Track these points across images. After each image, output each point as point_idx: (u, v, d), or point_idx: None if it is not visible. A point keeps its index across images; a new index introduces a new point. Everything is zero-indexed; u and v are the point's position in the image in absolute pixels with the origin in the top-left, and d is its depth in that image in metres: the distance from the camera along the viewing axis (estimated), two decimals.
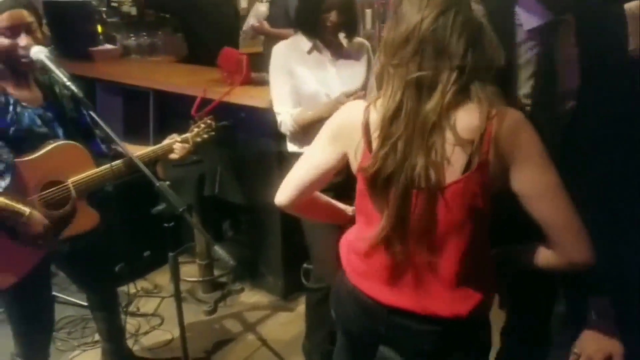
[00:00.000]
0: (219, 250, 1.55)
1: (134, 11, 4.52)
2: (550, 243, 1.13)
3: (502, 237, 1.21)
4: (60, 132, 1.82)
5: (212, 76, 3.10)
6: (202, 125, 2.16)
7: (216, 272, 3.13)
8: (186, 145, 2.06)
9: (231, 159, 2.97)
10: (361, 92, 2.10)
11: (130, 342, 2.56)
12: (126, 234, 2.37)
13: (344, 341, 1.45)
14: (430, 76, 1.08)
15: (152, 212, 1.67)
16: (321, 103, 2.10)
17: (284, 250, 2.97)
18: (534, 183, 1.09)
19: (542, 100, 1.45)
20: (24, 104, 1.72)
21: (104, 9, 4.41)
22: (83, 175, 1.80)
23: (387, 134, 1.12)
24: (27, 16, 1.68)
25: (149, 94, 3.27)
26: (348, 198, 1.44)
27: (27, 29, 1.68)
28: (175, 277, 1.81)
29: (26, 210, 1.64)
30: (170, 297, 2.96)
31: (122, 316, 2.37)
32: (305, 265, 2.89)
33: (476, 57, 1.08)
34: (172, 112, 3.22)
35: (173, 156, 2.04)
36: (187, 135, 2.10)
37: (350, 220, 1.42)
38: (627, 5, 1.47)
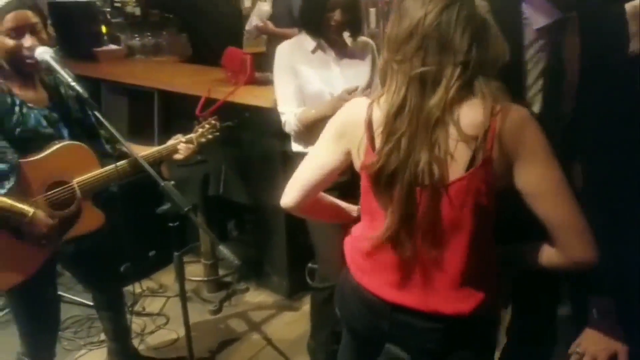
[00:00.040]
0: (223, 250, 1.55)
1: (138, 11, 4.53)
2: (553, 242, 1.12)
3: (505, 236, 1.21)
4: (65, 132, 1.82)
5: (217, 76, 3.10)
6: (207, 126, 2.16)
7: (221, 272, 3.13)
8: (191, 145, 2.06)
9: (236, 158, 2.97)
10: (367, 90, 2.10)
11: (135, 342, 2.56)
12: (131, 234, 2.38)
13: (348, 339, 1.45)
14: (434, 71, 1.08)
15: (157, 212, 1.67)
16: (325, 101, 2.10)
17: (289, 250, 2.97)
18: (538, 180, 1.09)
19: (551, 100, 1.45)
20: (29, 104, 1.73)
21: (109, 9, 4.42)
22: (88, 175, 1.80)
23: (391, 130, 1.11)
24: (31, 17, 1.68)
25: (153, 94, 3.28)
26: (353, 197, 1.43)
27: (32, 30, 1.68)
28: (180, 277, 1.82)
29: (30, 210, 1.65)
30: (175, 297, 2.96)
31: (128, 316, 2.38)
32: (310, 264, 2.89)
33: (480, 53, 1.07)
34: (177, 112, 3.22)
35: (177, 156, 2.04)
36: (192, 135, 2.10)
37: (355, 220, 1.42)
38: (627, 5, 1.47)
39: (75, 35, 3.81)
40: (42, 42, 1.70)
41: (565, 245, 1.11)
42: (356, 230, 1.36)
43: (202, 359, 2.56)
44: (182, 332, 2.15)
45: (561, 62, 1.39)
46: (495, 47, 1.09)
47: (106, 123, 1.70)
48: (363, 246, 1.27)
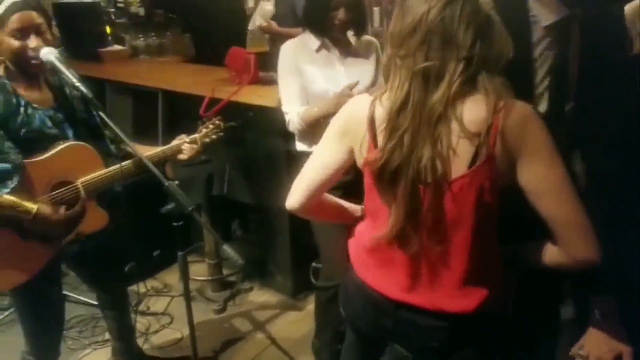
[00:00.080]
0: (227, 250, 1.56)
1: (142, 12, 4.54)
2: (556, 240, 1.12)
3: (508, 235, 1.21)
4: (70, 133, 1.83)
5: (220, 76, 3.11)
6: (211, 126, 2.17)
7: (225, 271, 3.14)
8: (195, 146, 2.06)
9: (240, 158, 2.97)
10: (371, 89, 2.10)
11: (140, 341, 2.57)
12: (136, 234, 2.38)
13: (352, 339, 1.45)
14: (437, 66, 1.07)
15: (161, 212, 1.68)
16: (327, 99, 2.09)
17: (293, 250, 2.97)
18: (541, 178, 1.08)
19: (557, 98, 1.45)
20: (34, 105, 1.74)
21: (113, 10, 4.43)
22: (92, 175, 1.81)
23: (394, 126, 1.11)
24: (36, 17, 1.69)
25: (157, 95, 3.28)
26: (356, 196, 1.44)
27: (37, 31, 1.69)
28: (185, 276, 1.82)
29: (34, 207, 1.65)
30: (179, 296, 2.97)
31: (132, 315, 2.38)
32: (314, 264, 2.90)
33: (484, 49, 1.07)
34: (181, 112, 3.23)
35: (182, 157, 2.04)
36: (196, 136, 2.10)
37: (359, 220, 1.42)
38: (627, 7, 1.46)
39: (79, 36, 3.83)
40: (47, 43, 1.71)
41: (568, 243, 1.11)
42: (360, 228, 1.36)
43: (206, 358, 2.57)
44: (186, 331, 2.15)
45: (567, 60, 1.39)
46: (500, 43, 1.09)
47: (110, 123, 1.71)
48: (367, 244, 1.28)
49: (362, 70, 2.18)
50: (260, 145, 2.90)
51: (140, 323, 2.72)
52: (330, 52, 2.17)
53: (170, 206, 1.64)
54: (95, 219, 1.86)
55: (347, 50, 2.19)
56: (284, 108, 2.19)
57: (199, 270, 3.14)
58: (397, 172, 1.12)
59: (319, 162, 1.29)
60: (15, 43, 1.67)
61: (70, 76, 1.70)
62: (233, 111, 2.57)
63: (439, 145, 1.09)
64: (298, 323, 2.84)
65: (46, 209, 1.68)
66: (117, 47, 4.05)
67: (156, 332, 2.77)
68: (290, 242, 2.95)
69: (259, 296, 3.10)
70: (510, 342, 1.40)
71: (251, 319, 2.89)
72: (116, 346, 2.38)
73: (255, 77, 2.87)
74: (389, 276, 1.24)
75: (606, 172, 1.27)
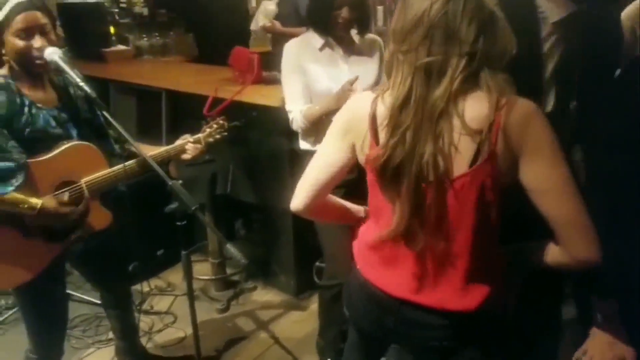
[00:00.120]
0: (231, 249, 1.56)
1: (146, 12, 4.55)
2: (557, 239, 1.11)
3: (511, 234, 1.20)
4: (74, 132, 1.84)
5: (224, 75, 3.11)
6: (215, 126, 2.17)
7: (229, 271, 3.14)
8: (198, 145, 2.07)
9: (243, 157, 2.98)
10: (374, 87, 2.10)
11: (143, 340, 2.58)
12: (140, 233, 2.39)
13: (354, 338, 1.45)
14: (440, 62, 1.07)
15: (164, 211, 1.68)
16: (328, 96, 2.09)
17: (296, 249, 2.97)
18: (542, 176, 1.08)
19: (563, 95, 1.45)
20: (38, 105, 1.74)
21: (117, 10, 4.45)
22: (96, 175, 1.82)
23: (396, 122, 1.11)
24: (41, 18, 1.69)
25: (161, 94, 3.29)
26: (360, 195, 1.43)
27: (41, 31, 1.70)
28: (188, 276, 1.83)
29: (38, 202, 1.66)
30: (183, 296, 2.97)
31: (136, 314, 2.39)
32: (317, 263, 2.90)
33: (487, 45, 1.06)
34: (185, 111, 3.24)
35: (185, 156, 2.05)
36: (200, 135, 2.11)
37: (363, 222, 1.42)
38: (623, 15, 1.46)
39: (83, 36, 3.84)
40: (51, 43, 1.72)
41: (569, 243, 1.10)
42: (364, 227, 1.36)
43: (210, 357, 2.57)
44: (189, 330, 2.15)
45: (573, 57, 1.39)
46: (503, 40, 1.08)
47: (114, 123, 1.71)
48: (371, 242, 1.28)
49: (366, 68, 2.18)
50: (264, 144, 2.90)
51: (144, 322, 2.72)
52: (333, 51, 2.17)
53: (173, 205, 1.64)
54: (99, 219, 1.87)
55: (350, 49, 2.19)
56: (288, 107, 2.19)
57: (203, 270, 3.14)
58: (399, 169, 1.12)
59: (322, 162, 1.29)
60: (20, 43, 1.68)
61: (74, 76, 1.70)
62: (236, 111, 2.57)
63: (441, 142, 1.08)
64: (301, 322, 2.84)
65: (51, 204, 1.68)
66: (120, 47, 4.06)
67: (160, 331, 2.78)
68: (294, 242, 2.95)
69: (263, 295, 3.10)
70: (512, 341, 1.40)
71: (254, 318, 2.89)
72: (120, 345, 2.39)
73: (258, 77, 2.88)
74: (392, 274, 1.24)
75: (607, 172, 1.26)
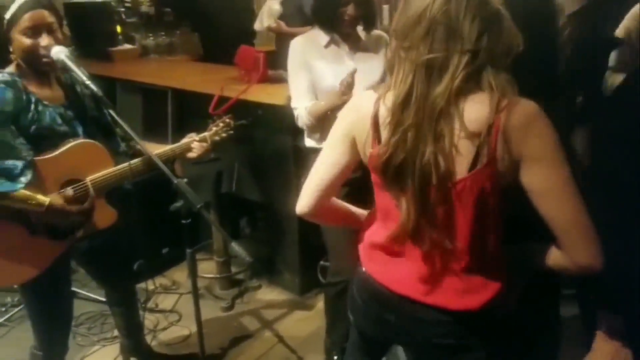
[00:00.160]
0: (236, 247, 1.56)
1: (152, 11, 4.56)
2: (557, 243, 1.10)
3: (516, 234, 1.20)
4: (80, 130, 1.84)
5: (230, 74, 3.11)
6: (221, 124, 2.17)
7: (233, 269, 3.15)
8: (204, 144, 2.07)
9: (248, 156, 2.98)
10: (380, 83, 2.09)
11: (148, 338, 2.58)
12: (145, 231, 2.40)
13: (356, 338, 1.45)
14: (441, 59, 1.06)
15: (170, 210, 1.68)
16: (331, 92, 2.09)
17: (301, 248, 2.97)
18: (543, 180, 1.06)
19: (571, 90, 1.44)
20: (45, 102, 1.75)
21: (123, 9, 4.46)
22: (101, 173, 1.82)
23: (398, 120, 1.10)
24: (48, 16, 1.70)
25: (167, 93, 3.30)
26: (364, 193, 1.43)
27: (48, 29, 1.71)
28: (193, 274, 1.83)
29: (46, 199, 1.67)
30: (188, 294, 2.98)
31: (141, 312, 2.40)
32: (322, 262, 2.90)
33: (491, 43, 1.05)
34: (191, 110, 3.25)
35: (191, 155, 2.05)
36: (205, 134, 2.11)
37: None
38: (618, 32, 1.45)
39: (90, 35, 3.85)
40: (58, 42, 1.73)
41: (569, 247, 1.09)
42: (369, 225, 1.36)
43: (214, 355, 2.58)
44: (194, 328, 2.16)
45: (584, 50, 1.38)
46: (508, 38, 1.06)
47: (120, 122, 1.72)
48: (377, 240, 1.28)
49: (372, 65, 2.17)
50: (269, 143, 2.91)
51: (149, 320, 2.73)
52: (339, 48, 2.17)
53: (179, 204, 1.64)
54: (104, 217, 1.87)
55: (356, 46, 2.18)
56: (293, 104, 2.19)
57: (208, 268, 3.15)
58: (401, 168, 1.11)
59: (326, 163, 1.29)
60: (27, 41, 1.69)
61: (81, 75, 1.71)
62: (242, 109, 2.57)
63: (442, 142, 1.07)
64: (306, 321, 2.84)
65: (58, 201, 1.69)
66: (127, 46, 4.07)
67: (164, 329, 2.78)
68: (299, 241, 2.95)
69: (267, 294, 3.11)
70: (512, 341, 1.40)
71: (259, 316, 2.90)
72: (124, 343, 2.40)
73: (264, 76, 2.88)
74: (396, 272, 1.24)
75: (607, 172, 1.25)
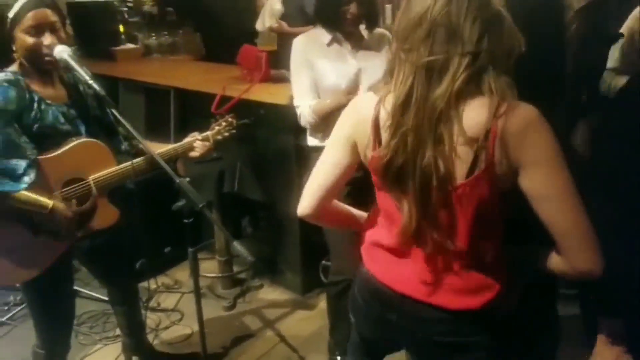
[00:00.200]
0: (238, 247, 1.56)
1: (155, 11, 4.57)
2: (557, 248, 1.09)
3: (515, 236, 1.19)
4: (83, 129, 1.85)
5: (232, 74, 3.12)
6: (223, 124, 2.17)
7: (235, 269, 3.15)
8: (207, 143, 2.07)
9: (251, 155, 2.98)
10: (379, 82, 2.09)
11: (150, 337, 2.59)
12: (147, 230, 2.40)
13: (357, 338, 1.45)
14: (442, 61, 1.05)
15: (172, 209, 1.68)
16: (338, 91, 2.09)
17: (303, 247, 2.97)
18: (540, 185, 1.05)
19: (576, 86, 1.43)
20: (48, 101, 1.75)
21: (126, 9, 4.47)
22: (104, 172, 1.82)
23: (398, 123, 1.10)
24: (51, 15, 1.71)
25: (169, 92, 3.30)
26: (365, 193, 1.43)
27: (51, 28, 1.71)
28: (195, 273, 1.83)
29: (49, 202, 1.67)
30: (190, 293, 2.98)
31: (143, 311, 2.40)
32: (324, 262, 2.90)
33: (492, 44, 1.04)
34: (193, 109, 3.25)
35: (193, 154, 2.05)
36: (208, 133, 2.11)
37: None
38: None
39: (93, 35, 3.86)
40: (61, 41, 1.73)
41: (568, 253, 1.08)
42: (371, 225, 1.36)
43: (216, 354, 2.58)
44: (196, 327, 2.16)
45: (590, 46, 1.38)
46: (509, 40, 1.06)
47: (123, 121, 1.72)
48: (378, 240, 1.28)
49: (374, 63, 2.16)
50: (271, 143, 2.91)
51: (151, 319, 2.74)
52: (341, 46, 2.17)
53: (181, 203, 1.64)
54: (106, 216, 1.88)
55: (359, 44, 2.18)
56: (296, 102, 2.19)
57: (210, 267, 3.16)
58: (402, 170, 1.11)
59: (327, 164, 1.29)
60: (30, 40, 1.69)
61: (84, 74, 1.71)
62: (244, 109, 2.58)
63: (441, 146, 1.06)
64: (307, 321, 2.84)
65: (60, 205, 1.70)
66: (129, 45, 4.08)
67: (166, 328, 2.79)
68: (301, 240, 2.95)
69: (269, 294, 3.11)
70: (513, 340, 1.40)
71: (261, 316, 2.90)
72: (126, 342, 2.40)
73: (266, 75, 2.88)
74: (398, 271, 1.24)
75: (609, 174, 1.24)
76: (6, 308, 2.88)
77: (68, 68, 1.75)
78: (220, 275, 3.10)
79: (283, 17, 4.31)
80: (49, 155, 1.73)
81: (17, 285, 2.03)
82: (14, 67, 1.76)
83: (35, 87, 1.74)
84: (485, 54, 1.04)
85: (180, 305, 2.96)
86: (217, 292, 3.09)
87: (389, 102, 1.13)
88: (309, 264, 3.00)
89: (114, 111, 1.79)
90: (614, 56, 1.99)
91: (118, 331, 2.51)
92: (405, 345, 1.37)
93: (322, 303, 2.76)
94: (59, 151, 1.75)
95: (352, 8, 2.05)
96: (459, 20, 1.04)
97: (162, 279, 3.13)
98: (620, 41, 1.92)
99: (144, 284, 2.48)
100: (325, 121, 2.09)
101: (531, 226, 1.14)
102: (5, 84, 1.67)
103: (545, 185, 1.05)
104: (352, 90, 1.97)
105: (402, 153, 1.10)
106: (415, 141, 1.08)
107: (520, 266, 1.23)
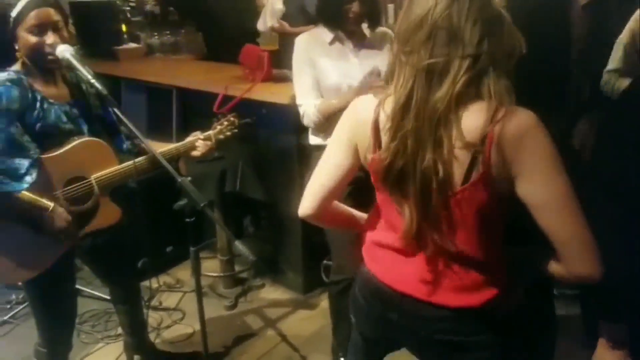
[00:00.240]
0: (239, 246, 1.56)
1: (157, 10, 4.57)
2: (556, 254, 1.09)
3: (515, 236, 1.19)
4: (85, 128, 1.85)
5: (234, 73, 3.12)
6: (225, 123, 2.17)
7: (237, 268, 3.15)
8: (208, 142, 2.07)
9: (252, 155, 2.98)
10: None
11: (152, 336, 2.59)
12: (149, 230, 2.40)
13: (358, 339, 1.45)
14: (442, 63, 1.04)
15: (174, 208, 1.69)
16: (346, 92, 2.08)
17: (305, 247, 2.98)
18: (537, 192, 1.04)
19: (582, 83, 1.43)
20: (50, 100, 1.76)
21: (128, 8, 4.47)
22: (106, 171, 1.83)
23: (398, 125, 1.10)
24: (53, 15, 1.71)
25: (172, 92, 3.31)
26: (365, 193, 1.43)
27: (54, 28, 1.71)
28: (197, 272, 1.83)
29: (50, 204, 1.67)
30: (191, 292, 2.99)
31: (145, 310, 2.40)
32: (325, 261, 2.90)
33: (492, 47, 1.04)
34: (195, 109, 3.25)
35: (195, 153, 2.05)
36: (210, 132, 2.11)
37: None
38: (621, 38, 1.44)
39: (95, 34, 3.86)
40: (64, 40, 1.73)
41: (567, 259, 1.07)
42: (371, 226, 1.36)
43: (217, 353, 2.58)
44: (197, 327, 2.16)
45: (596, 43, 1.37)
46: (510, 42, 1.06)
47: (125, 120, 1.72)
48: (379, 240, 1.28)
49: (376, 62, 2.16)
50: (273, 142, 2.91)
51: (152, 318, 2.74)
52: (343, 45, 2.17)
53: (183, 202, 1.65)
54: (108, 215, 1.88)
55: (361, 43, 2.18)
56: (299, 101, 2.19)
57: (211, 267, 3.16)
58: (402, 173, 1.11)
59: (329, 166, 1.29)
60: (33, 39, 1.69)
61: (86, 73, 1.71)
62: (246, 108, 2.58)
63: (441, 149, 1.06)
64: (309, 320, 2.85)
65: (61, 209, 1.70)
66: (132, 45, 4.08)
67: (168, 327, 2.79)
68: (302, 240, 2.96)
69: (271, 293, 3.11)
70: (513, 340, 1.40)
71: (262, 315, 2.90)
72: (128, 340, 2.40)
73: (268, 75, 2.88)
74: (399, 271, 1.24)
75: (610, 176, 1.24)
76: (8, 307, 2.88)
77: (70, 67, 1.75)
78: (221, 274, 3.10)
79: (284, 16, 4.31)
80: (51, 154, 1.73)
81: (19, 284, 2.03)
82: (16, 66, 1.76)
83: (38, 86, 1.75)
84: (486, 56, 1.04)
85: (181, 304, 2.97)
86: (219, 291, 3.09)
87: (389, 104, 1.13)
88: (311, 264, 3.00)
89: (116, 110, 1.79)
90: (616, 57, 2.00)
91: (120, 330, 2.51)
92: (406, 344, 1.37)
93: (324, 303, 2.76)
94: (61, 150, 1.75)
95: (355, 7, 2.05)
96: (460, 22, 1.03)
97: (164, 278, 3.14)
98: (622, 41, 1.93)
99: (146, 283, 2.48)
100: (329, 120, 2.09)
101: (531, 229, 1.15)
102: (8, 83, 1.67)
103: (542, 193, 1.04)
104: (362, 91, 1.96)
105: (402, 156, 1.10)
106: (415, 144, 1.08)
107: (521, 267, 1.23)
